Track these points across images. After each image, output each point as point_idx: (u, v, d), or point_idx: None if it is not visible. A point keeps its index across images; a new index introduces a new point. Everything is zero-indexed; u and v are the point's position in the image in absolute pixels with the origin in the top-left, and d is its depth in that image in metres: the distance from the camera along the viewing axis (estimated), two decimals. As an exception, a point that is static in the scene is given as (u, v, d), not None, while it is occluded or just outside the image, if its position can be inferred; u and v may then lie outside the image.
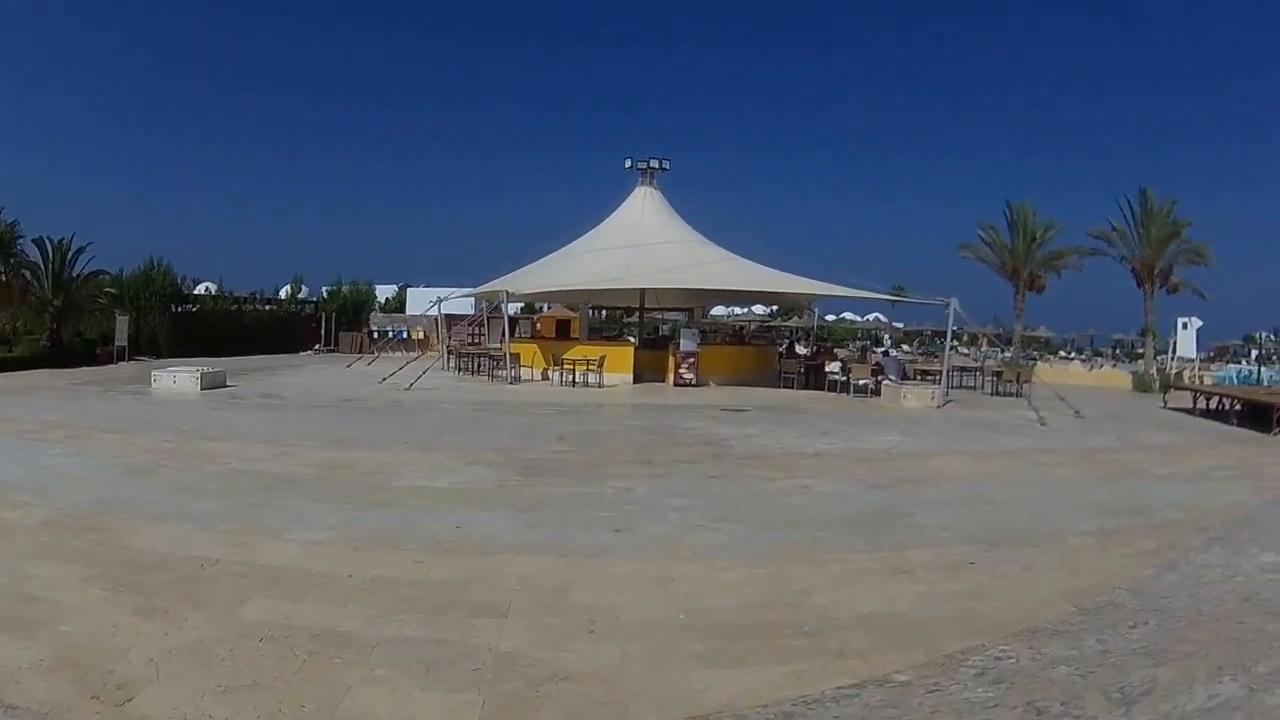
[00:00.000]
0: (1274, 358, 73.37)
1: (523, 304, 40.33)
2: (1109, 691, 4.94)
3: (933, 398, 22.04)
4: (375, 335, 38.59)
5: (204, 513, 8.64)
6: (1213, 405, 23.70)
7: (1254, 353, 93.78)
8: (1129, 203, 35.02)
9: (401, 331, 39.83)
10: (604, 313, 49.08)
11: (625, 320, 46.63)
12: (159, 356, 31.17)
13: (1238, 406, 21.51)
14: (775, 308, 52.87)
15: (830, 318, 66.27)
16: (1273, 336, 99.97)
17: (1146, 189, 34.65)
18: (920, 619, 6.14)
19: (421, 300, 38.58)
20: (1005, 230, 38.57)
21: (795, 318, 53.80)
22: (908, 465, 13.23)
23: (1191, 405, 23.59)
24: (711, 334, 38.68)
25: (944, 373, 24.52)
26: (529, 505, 9.26)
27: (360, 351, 34.64)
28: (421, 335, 37.75)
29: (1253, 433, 19.21)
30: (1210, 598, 6.91)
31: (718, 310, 53.80)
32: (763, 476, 11.47)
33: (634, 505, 9.35)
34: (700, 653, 5.38)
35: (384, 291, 51.35)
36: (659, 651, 5.38)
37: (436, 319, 32.88)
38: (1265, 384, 34.56)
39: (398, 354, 30.35)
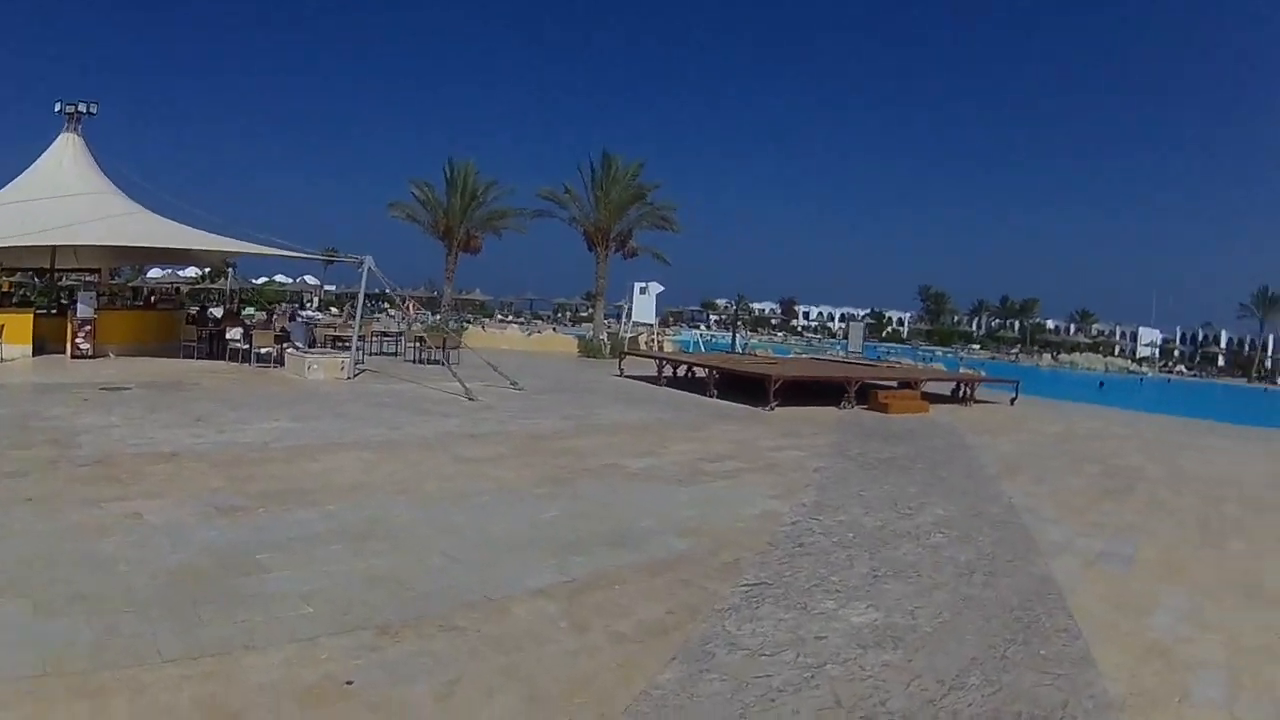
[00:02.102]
0: (741, 324, 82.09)
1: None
2: None
3: (342, 368, 19.96)
4: None
5: None
6: (680, 373, 23.35)
7: (712, 318, 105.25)
8: (590, 164, 36.45)
9: None
10: (62, 276, 42.64)
11: (69, 283, 40.61)
12: None
13: (717, 376, 20.77)
14: (208, 270, 50.81)
15: (261, 280, 63.01)
16: (733, 304, 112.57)
17: (609, 152, 36.36)
18: None
19: None
20: (443, 189, 39.33)
21: (222, 279, 50.10)
22: (286, 469, 9.69)
23: (656, 373, 22.90)
24: (118, 298, 34.95)
25: (355, 338, 21.59)
26: None
27: None
28: None
29: (743, 407, 18.32)
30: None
31: (154, 273, 52.26)
32: (90, 498, 8.15)
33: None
34: None
35: None
36: None
37: None
38: (740, 350, 36.66)
39: None
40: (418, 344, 26.01)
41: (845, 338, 52.00)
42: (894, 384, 21.91)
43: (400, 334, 29.30)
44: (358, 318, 23.56)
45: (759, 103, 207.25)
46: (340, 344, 24.11)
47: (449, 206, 38.54)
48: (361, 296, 23.53)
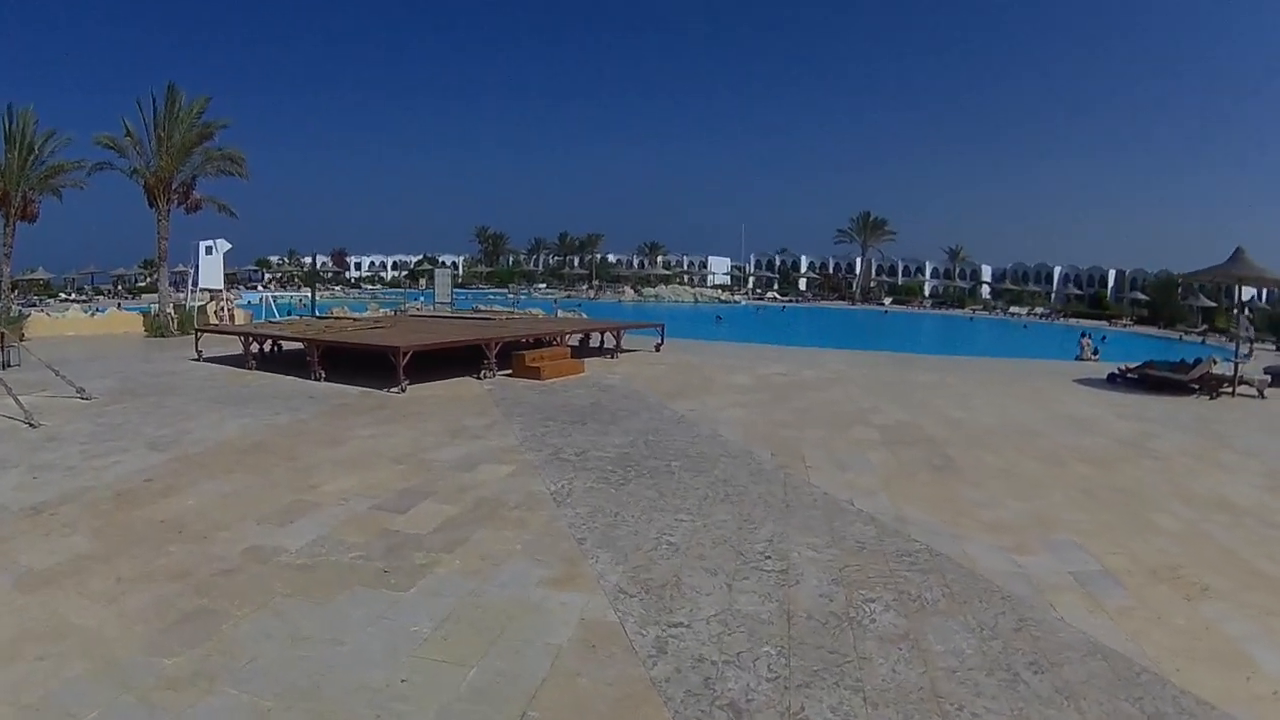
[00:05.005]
0: (293, 282, 75.89)
1: None
2: None
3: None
4: None
5: None
6: (268, 349, 19.42)
7: (267, 276, 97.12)
8: (154, 101, 29.60)
9: None
10: None
11: None
12: None
13: (319, 352, 16.26)
14: None
15: None
16: (287, 260, 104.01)
17: (173, 85, 29.81)
18: None
19: None
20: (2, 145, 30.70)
21: None
22: None
23: (243, 351, 18.21)
24: None
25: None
26: None
27: None
28: None
29: (362, 391, 14.52)
30: None
31: None
32: None
33: None
34: None
35: None
36: None
37: None
38: (319, 314, 31.22)
39: None
40: (-19, 346, 18.88)
41: (429, 287, 47.26)
42: (528, 341, 18.46)
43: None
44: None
45: (310, 45, 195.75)
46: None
47: (7, 166, 30.06)
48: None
